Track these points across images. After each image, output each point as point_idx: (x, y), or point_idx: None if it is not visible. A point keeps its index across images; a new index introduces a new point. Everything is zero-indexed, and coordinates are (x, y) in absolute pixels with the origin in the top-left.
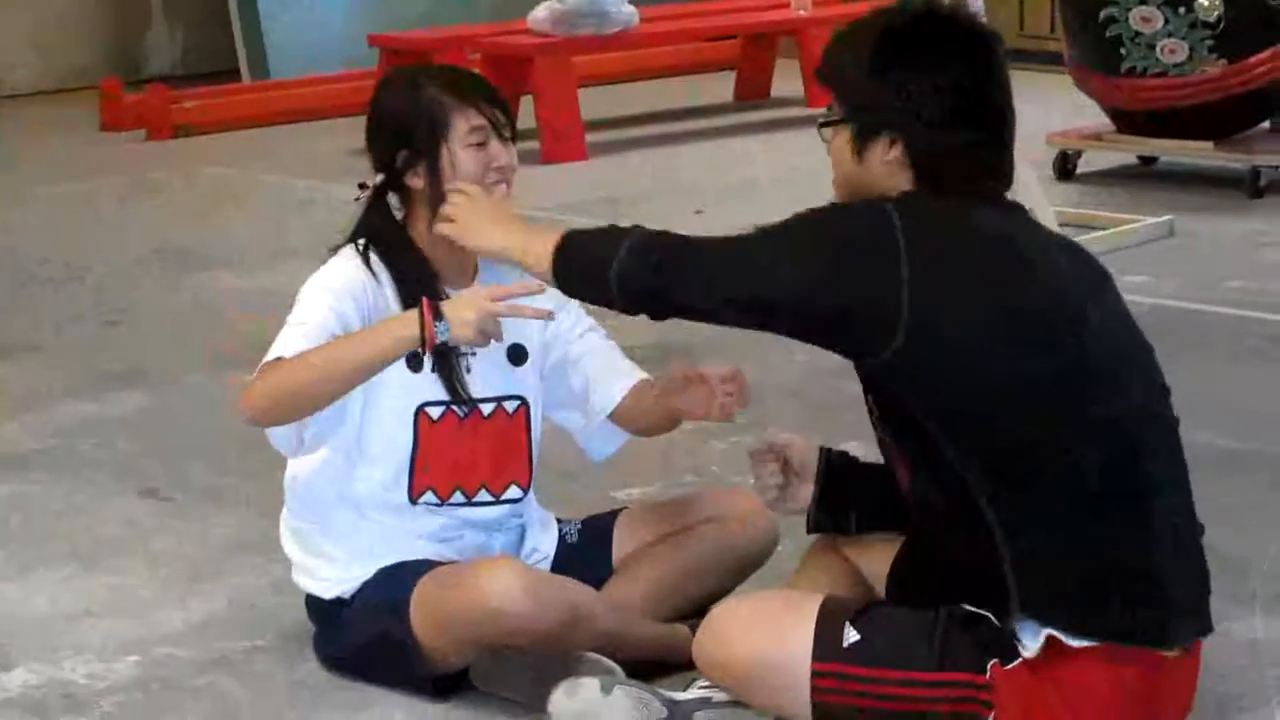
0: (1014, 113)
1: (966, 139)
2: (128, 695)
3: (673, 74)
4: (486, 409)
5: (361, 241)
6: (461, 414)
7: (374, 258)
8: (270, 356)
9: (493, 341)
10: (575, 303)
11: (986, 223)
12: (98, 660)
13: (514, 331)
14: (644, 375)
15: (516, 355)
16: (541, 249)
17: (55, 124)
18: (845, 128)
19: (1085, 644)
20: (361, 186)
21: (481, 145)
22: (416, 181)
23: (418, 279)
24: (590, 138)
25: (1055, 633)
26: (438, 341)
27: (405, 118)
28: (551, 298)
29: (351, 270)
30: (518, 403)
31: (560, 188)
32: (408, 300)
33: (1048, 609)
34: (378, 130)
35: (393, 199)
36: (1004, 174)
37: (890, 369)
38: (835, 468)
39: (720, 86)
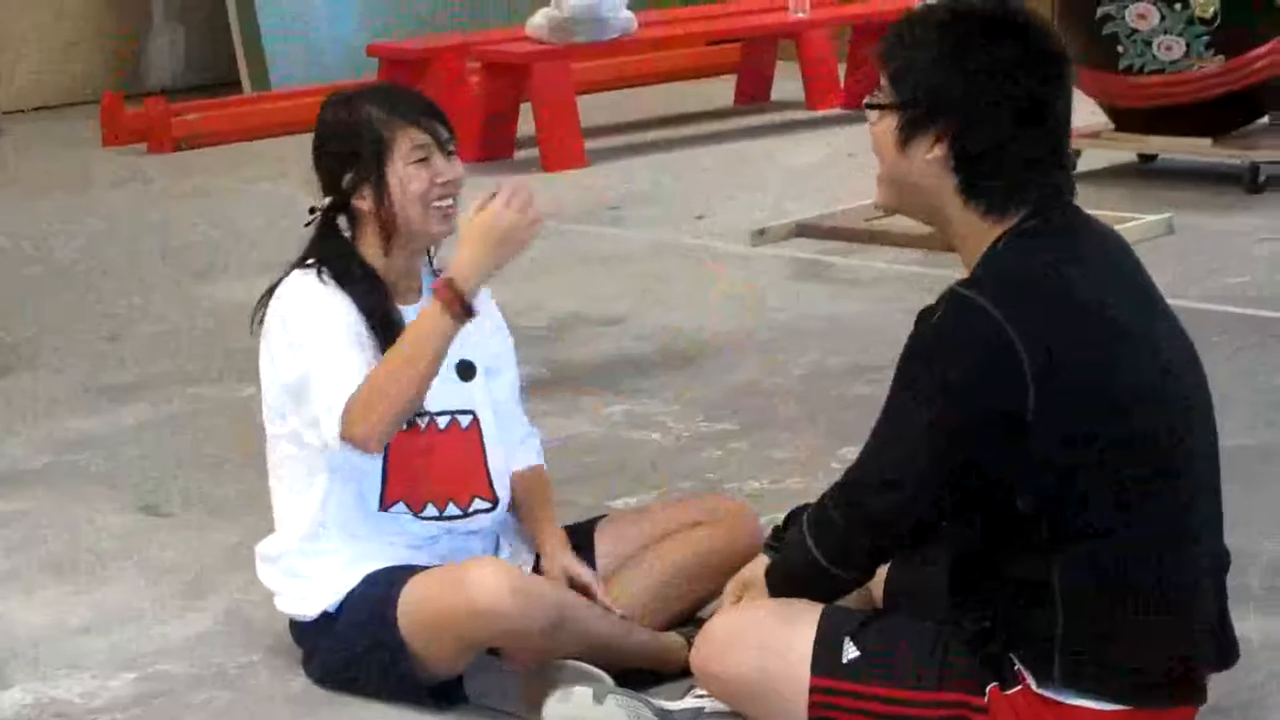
0: (1069, 132)
1: (1016, 150)
2: (124, 712)
3: (672, 79)
4: (442, 421)
5: (310, 260)
6: (422, 425)
7: (326, 277)
8: (338, 384)
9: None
10: (506, 331)
11: (1070, 281)
12: (93, 678)
13: (462, 347)
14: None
15: (465, 371)
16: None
17: (57, 138)
18: (892, 115)
19: (1113, 709)
20: (312, 210)
21: (424, 161)
22: (363, 203)
23: (371, 298)
24: (590, 144)
25: (1087, 703)
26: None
27: (347, 140)
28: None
29: (319, 284)
30: (469, 416)
31: (561, 196)
32: (369, 315)
33: (1089, 682)
34: (322, 153)
35: (342, 220)
36: (1064, 188)
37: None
38: None
39: (720, 91)
